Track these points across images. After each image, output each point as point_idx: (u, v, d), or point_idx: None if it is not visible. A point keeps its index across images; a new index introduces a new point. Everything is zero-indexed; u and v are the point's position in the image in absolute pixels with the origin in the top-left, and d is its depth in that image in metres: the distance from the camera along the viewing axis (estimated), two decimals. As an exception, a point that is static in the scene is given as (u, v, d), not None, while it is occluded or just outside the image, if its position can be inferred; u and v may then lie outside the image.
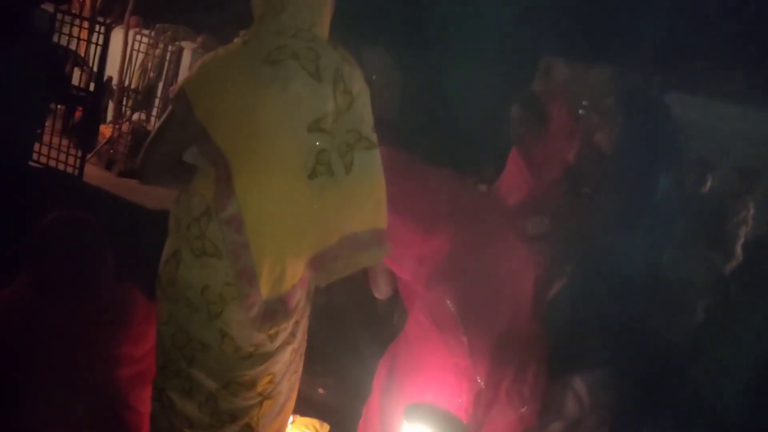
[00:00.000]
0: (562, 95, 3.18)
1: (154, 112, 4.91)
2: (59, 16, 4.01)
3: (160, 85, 4.93)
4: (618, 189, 2.12)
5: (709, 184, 3.59)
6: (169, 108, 1.60)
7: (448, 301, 1.79)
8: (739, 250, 3.35)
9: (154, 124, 4.80)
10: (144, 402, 1.86)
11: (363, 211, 1.58)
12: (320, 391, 3.06)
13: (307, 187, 1.52)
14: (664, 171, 1.87)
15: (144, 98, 4.97)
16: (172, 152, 1.60)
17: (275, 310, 1.58)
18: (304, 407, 2.16)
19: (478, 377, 1.77)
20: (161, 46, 4.88)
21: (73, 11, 4.53)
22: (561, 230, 2.43)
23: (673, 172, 1.98)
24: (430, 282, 1.85)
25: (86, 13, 4.67)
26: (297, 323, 1.68)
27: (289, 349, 1.68)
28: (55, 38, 4.04)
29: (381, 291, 1.90)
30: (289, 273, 1.57)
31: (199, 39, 5.14)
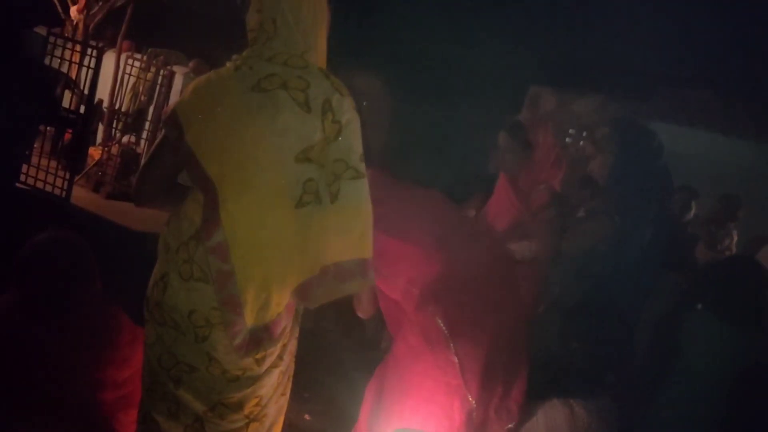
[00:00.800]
0: (548, 123, 3.26)
1: (144, 135, 4.91)
2: (51, 39, 4.03)
3: (151, 108, 4.94)
4: (607, 215, 2.15)
5: (693, 211, 3.65)
6: (162, 132, 1.60)
7: (439, 321, 1.80)
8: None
9: (144, 147, 4.80)
10: (128, 426, 1.84)
11: (348, 241, 1.57)
12: (306, 417, 3.03)
13: (293, 216, 1.52)
14: (652, 198, 1.91)
15: (134, 121, 4.97)
16: (166, 176, 1.61)
17: (260, 338, 1.57)
18: (291, 434, 2.14)
19: (469, 396, 1.77)
20: (153, 69, 4.90)
21: (66, 34, 4.56)
22: (548, 254, 2.45)
23: (660, 200, 2.03)
24: (420, 302, 1.85)
25: (79, 36, 4.70)
26: (284, 346, 1.68)
27: (277, 372, 1.67)
28: (47, 61, 4.05)
29: (364, 310, 1.90)
30: (274, 301, 1.56)
31: (191, 63, 5.17)
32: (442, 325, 1.80)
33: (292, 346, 1.74)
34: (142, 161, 1.65)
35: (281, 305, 1.58)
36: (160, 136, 1.62)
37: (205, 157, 1.51)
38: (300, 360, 1.81)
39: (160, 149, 1.60)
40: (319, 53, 1.62)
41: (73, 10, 4.84)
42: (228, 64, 1.60)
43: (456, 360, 1.78)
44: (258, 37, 1.60)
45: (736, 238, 3.75)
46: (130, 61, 4.91)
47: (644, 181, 1.96)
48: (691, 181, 3.71)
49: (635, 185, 1.94)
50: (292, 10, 1.57)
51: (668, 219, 2.62)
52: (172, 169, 1.60)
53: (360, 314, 1.92)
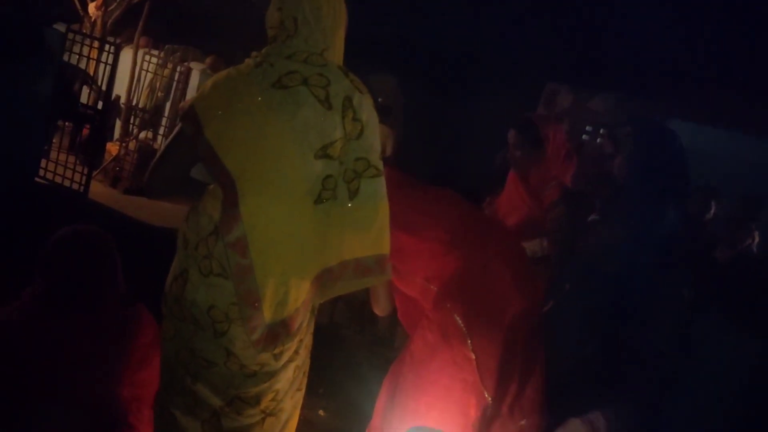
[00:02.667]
0: (559, 119, 3.23)
1: (161, 131, 4.94)
2: (70, 35, 4.07)
3: (168, 104, 4.98)
4: (625, 214, 2.12)
5: (713, 211, 3.60)
6: (179, 125, 1.61)
7: (457, 317, 1.80)
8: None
9: (160, 143, 4.83)
10: (145, 422, 1.85)
11: (366, 237, 1.59)
12: (321, 413, 3.04)
13: (312, 212, 1.53)
14: (672, 198, 1.88)
15: (151, 117, 5.01)
16: (180, 168, 1.63)
17: (278, 333, 1.58)
18: (305, 430, 2.14)
19: (486, 392, 1.78)
20: (170, 66, 4.93)
21: (84, 31, 4.60)
22: (561, 251, 2.44)
23: (680, 199, 1.99)
24: (438, 299, 1.86)
25: (97, 32, 4.74)
26: (300, 341, 1.68)
27: (293, 366, 1.68)
28: (66, 57, 4.09)
29: (382, 307, 1.91)
30: (292, 297, 1.57)
31: (208, 60, 5.20)
32: (459, 321, 1.80)
33: (308, 342, 1.74)
34: (157, 154, 1.66)
35: (299, 300, 1.59)
36: (176, 130, 1.63)
37: (225, 153, 1.52)
38: (315, 356, 1.82)
39: (176, 143, 1.61)
40: (337, 51, 1.63)
41: (92, 7, 4.87)
42: (248, 61, 1.60)
43: (473, 356, 1.79)
44: (278, 34, 1.60)
45: (757, 239, 3.70)
46: (147, 58, 4.94)
47: (665, 180, 1.93)
48: (712, 180, 3.66)
49: (656, 184, 1.91)
50: (312, 9, 1.58)
51: (687, 219, 2.58)
52: (186, 162, 1.62)
53: (377, 311, 1.93)
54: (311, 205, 1.53)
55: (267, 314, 1.54)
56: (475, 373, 1.79)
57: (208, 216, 1.57)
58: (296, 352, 1.67)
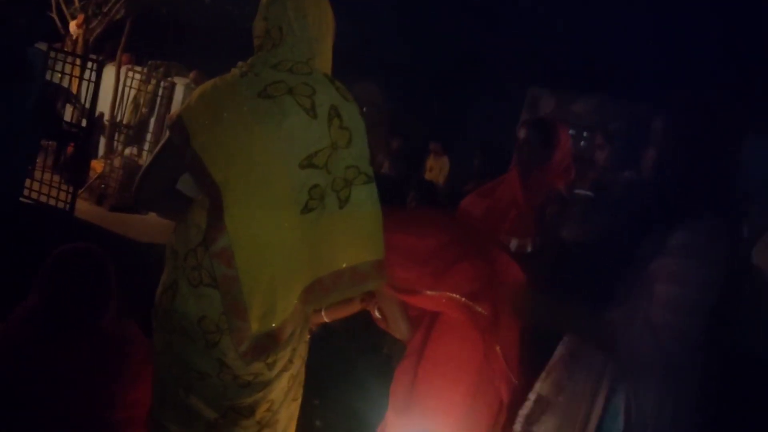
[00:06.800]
0: (568, 125, 3.20)
1: (146, 146, 4.93)
2: (51, 53, 4.06)
3: (152, 120, 4.96)
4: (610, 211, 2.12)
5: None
6: (166, 136, 1.61)
7: (485, 315, 1.84)
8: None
9: (145, 159, 4.81)
10: (139, 439, 1.82)
11: (361, 244, 1.57)
12: (317, 423, 3.01)
13: (298, 221, 1.52)
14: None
15: (136, 133, 4.99)
16: (167, 178, 1.62)
17: (265, 345, 1.56)
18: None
19: (512, 377, 1.87)
20: (153, 81, 4.93)
21: (66, 48, 4.58)
22: (548, 251, 2.45)
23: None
24: (465, 306, 1.90)
25: (79, 50, 4.72)
26: (294, 350, 1.67)
27: (287, 375, 1.66)
28: (48, 75, 4.07)
29: (402, 330, 1.90)
30: (279, 307, 1.55)
31: (191, 74, 5.20)
32: (487, 319, 1.85)
33: (302, 351, 1.73)
34: (144, 164, 1.66)
35: (287, 311, 1.57)
36: (163, 140, 1.63)
37: (211, 163, 1.51)
38: (309, 365, 1.81)
39: (163, 153, 1.61)
40: (324, 60, 1.63)
41: (72, 25, 4.87)
42: (234, 71, 1.60)
43: (498, 348, 1.85)
44: (264, 44, 1.60)
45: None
46: (130, 74, 4.93)
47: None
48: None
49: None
50: (298, 18, 1.58)
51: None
52: (173, 172, 1.61)
53: (398, 336, 1.94)
54: (297, 214, 1.52)
55: (254, 325, 1.52)
56: (502, 362, 1.86)
57: (196, 227, 1.56)
58: (290, 361, 1.66)
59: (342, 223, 1.54)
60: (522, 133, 2.71)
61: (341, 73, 1.68)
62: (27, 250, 1.96)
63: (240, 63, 1.61)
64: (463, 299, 1.83)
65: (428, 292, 1.84)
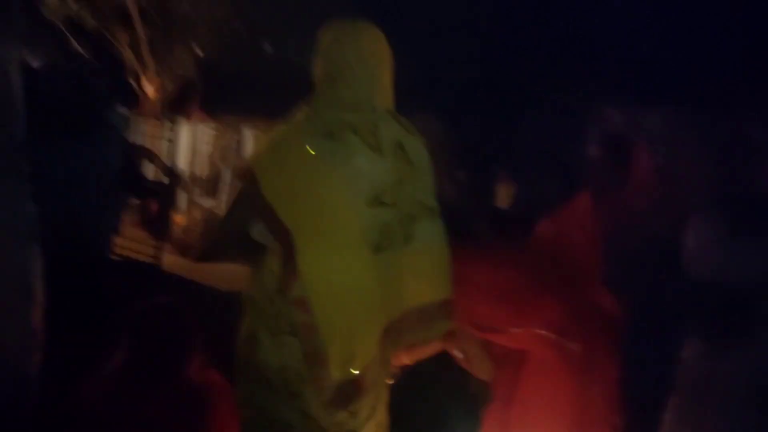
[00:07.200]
0: (646, 142, 3.00)
1: (224, 197, 5.11)
2: (132, 117, 4.31)
3: (227, 172, 5.16)
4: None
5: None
6: (239, 186, 1.64)
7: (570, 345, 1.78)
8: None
9: (223, 210, 4.98)
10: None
11: (426, 282, 1.54)
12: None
13: (372, 262, 1.50)
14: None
15: (213, 186, 5.19)
16: (240, 229, 1.63)
17: (348, 393, 1.52)
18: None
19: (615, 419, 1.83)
20: (226, 135, 5.14)
21: (143, 110, 4.87)
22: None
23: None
24: (556, 342, 1.84)
25: (156, 111, 5.01)
26: (377, 396, 1.63)
27: (373, 424, 1.62)
28: (130, 137, 4.32)
29: (486, 370, 1.85)
30: (359, 352, 1.52)
31: (262, 125, 5.38)
32: (580, 356, 1.78)
33: (384, 396, 1.68)
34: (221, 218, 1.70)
35: (368, 356, 1.53)
36: (238, 191, 1.66)
37: (281, 208, 1.52)
38: (392, 411, 1.75)
39: (237, 204, 1.65)
40: (385, 96, 1.62)
41: (150, 90, 5.17)
42: (297, 115, 1.61)
43: (596, 390, 1.82)
44: (324, 84, 1.61)
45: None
46: (204, 130, 5.16)
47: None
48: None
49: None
50: (356, 57, 1.58)
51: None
52: (245, 221, 1.62)
53: (482, 377, 1.88)
54: (371, 255, 1.49)
55: (335, 373, 1.50)
56: (601, 404, 1.82)
57: (271, 273, 1.56)
58: (374, 408, 1.62)
59: (408, 260, 1.51)
60: (596, 152, 2.57)
61: (403, 107, 1.67)
62: (120, 305, 2.02)
63: (302, 105, 1.62)
64: (553, 336, 1.72)
65: (513, 330, 1.76)
